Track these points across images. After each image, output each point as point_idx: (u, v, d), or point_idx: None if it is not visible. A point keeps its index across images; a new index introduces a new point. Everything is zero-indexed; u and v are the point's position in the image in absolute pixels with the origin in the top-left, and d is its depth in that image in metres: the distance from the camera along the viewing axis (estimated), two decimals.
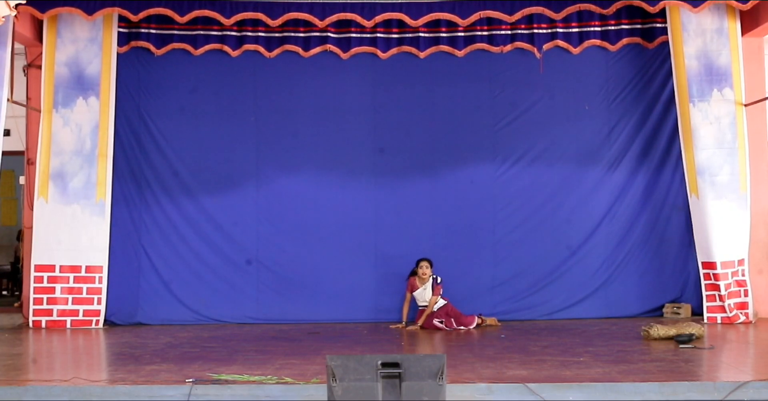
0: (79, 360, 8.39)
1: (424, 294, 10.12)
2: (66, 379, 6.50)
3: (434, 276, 10.15)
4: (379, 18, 10.07)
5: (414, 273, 10.23)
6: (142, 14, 9.99)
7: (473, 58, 10.82)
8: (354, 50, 10.70)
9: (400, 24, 10.51)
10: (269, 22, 10.10)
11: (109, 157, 10.43)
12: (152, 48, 10.67)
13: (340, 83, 10.94)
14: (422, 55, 10.73)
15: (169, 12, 10.00)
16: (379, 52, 10.69)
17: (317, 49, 10.67)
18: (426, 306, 10.07)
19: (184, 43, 10.65)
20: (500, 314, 10.59)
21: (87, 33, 10.36)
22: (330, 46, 10.63)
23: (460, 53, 10.72)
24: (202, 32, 10.65)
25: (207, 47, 10.67)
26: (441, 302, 10.12)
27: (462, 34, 10.68)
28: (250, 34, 10.64)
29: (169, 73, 10.90)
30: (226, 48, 10.67)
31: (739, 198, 10.01)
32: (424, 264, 10.15)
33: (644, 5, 9.85)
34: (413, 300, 10.20)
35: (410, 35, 10.72)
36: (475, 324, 10.02)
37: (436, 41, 10.74)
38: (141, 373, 6.85)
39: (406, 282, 10.25)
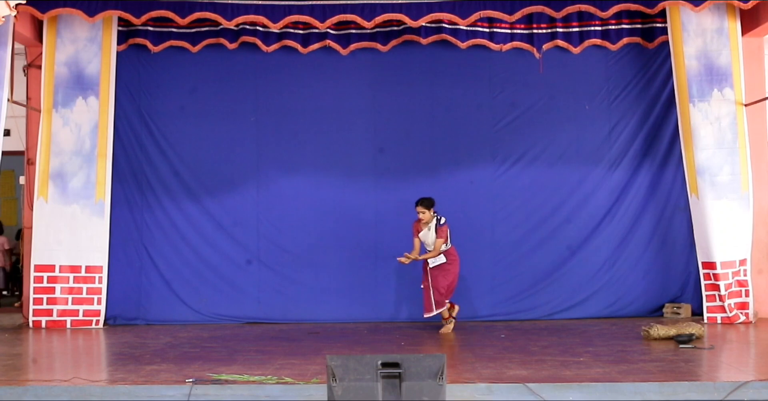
0: (79, 360, 8.39)
1: (428, 235, 9.55)
2: (66, 379, 6.51)
3: (438, 217, 9.49)
4: (379, 19, 10.04)
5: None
6: (144, 17, 9.96)
7: (474, 58, 10.80)
8: (354, 46, 10.66)
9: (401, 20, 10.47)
10: (270, 25, 10.08)
11: (108, 156, 10.44)
12: (149, 45, 10.64)
13: (340, 83, 10.94)
14: (424, 41, 10.62)
15: (170, 14, 9.98)
16: (379, 46, 10.65)
17: (316, 45, 10.64)
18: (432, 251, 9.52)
19: (182, 41, 10.62)
20: (500, 314, 10.60)
21: (87, 33, 10.36)
22: (329, 42, 10.61)
23: (462, 45, 10.61)
24: (201, 29, 10.62)
25: (205, 42, 10.64)
26: (441, 258, 9.51)
27: (464, 27, 10.57)
28: (248, 27, 10.58)
29: (169, 72, 10.91)
30: (223, 41, 10.62)
31: (740, 198, 10.01)
32: (418, 208, 9.50)
33: (642, 8, 9.84)
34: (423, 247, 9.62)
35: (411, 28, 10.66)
36: (433, 313, 9.45)
37: (439, 30, 10.64)
38: (141, 373, 6.86)
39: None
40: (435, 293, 9.45)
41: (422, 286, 9.59)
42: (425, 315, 9.56)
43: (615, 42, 10.68)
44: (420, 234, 9.58)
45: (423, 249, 9.62)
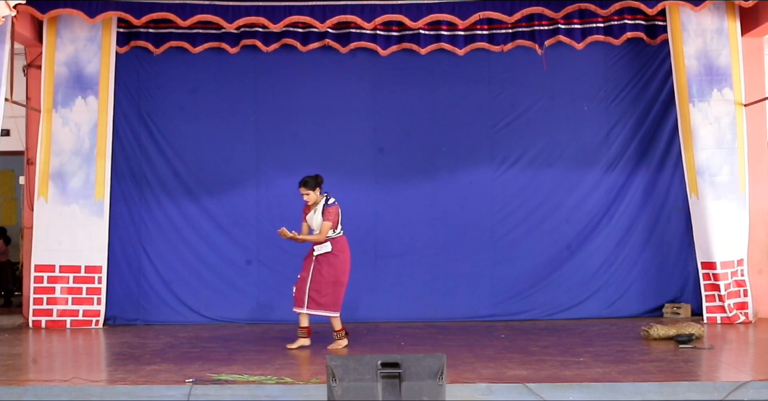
0: (79, 360, 8.39)
1: (313, 218, 8.40)
2: (66, 379, 6.51)
3: (327, 196, 8.44)
4: (379, 20, 10.06)
5: None
6: (145, 19, 9.97)
7: (473, 58, 10.80)
8: (353, 45, 10.65)
9: (400, 22, 10.49)
10: (271, 25, 10.08)
11: (107, 156, 10.43)
12: (151, 47, 10.65)
13: (340, 83, 10.94)
14: (423, 51, 10.67)
15: (171, 16, 9.98)
16: (379, 49, 10.66)
17: (316, 44, 10.64)
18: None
19: (182, 41, 10.61)
20: (500, 314, 10.60)
21: (86, 32, 10.37)
22: (329, 41, 10.60)
23: (460, 52, 10.67)
24: (201, 30, 10.62)
25: (206, 45, 10.64)
26: (327, 246, 8.34)
27: (462, 33, 10.61)
28: (247, 29, 10.58)
29: (169, 73, 10.91)
30: (225, 45, 10.64)
31: (739, 198, 10.01)
32: (301, 189, 8.41)
33: (642, 7, 9.84)
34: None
35: (410, 32, 10.66)
36: (303, 310, 8.35)
37: (437, 39, 10.68)
38: (141, 373, 6.86)
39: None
40: (312, 288, 8.35)
41: (299, 276, 8.47)
42: (294, 310, 8.50)
43: (618, 37, 10.58)
44: (306, 217, 8.49)
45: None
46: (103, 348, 9.11)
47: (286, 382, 6.34)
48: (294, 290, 8.52)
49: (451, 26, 10.53)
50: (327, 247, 8.31)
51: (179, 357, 7.84)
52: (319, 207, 8.36)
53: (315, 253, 8.36)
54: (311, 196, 8.37)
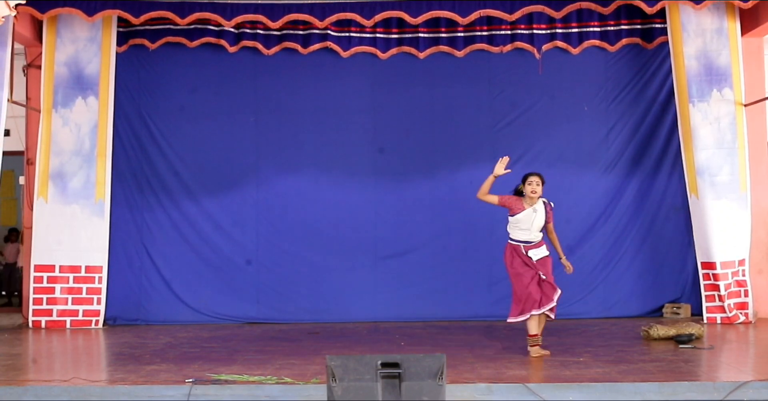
0: (79, 360, 8.39)
1: (533, 218, 7.88)
2: (66, 379, 6.51)
3: (544, 200, 8.03)
4: (378, 17, 10.06)
5: (518, 192, 8.12)
6: (144, 17, 9.97)
7: (473, 59, 10.81)
8: (354, 49, 10.68)
9: (400, 24, 10.51)
10: (270, 24, 10.09)
11: (108, 156, 10.44)
12: (147, 43, 10.64)
13: (340, 83, 10.95)
14: (422, 55, 10.72)
15: (170, 14, 9.98)
16: (378, 52, 10.69)
17: (317, 46, 10.66)
18: (533, 241, 7.90)
19: (180, 37, 10.62)
20: (500, 314, 10.52)
21: (86, 33, 10.38)
22: (330, 44, 10.62)
23: (459, 53, 10.72)
24: (200, 26, 10.60)
25: (203, 40, 10.62)
26: (544, 250, 7.99)
27: (461, 34, 10.68)
28: (248, 31, 10.60)
29: (169, 72, 10.91)
30: (223, 42, 10.62)
31: (739, 198, 10.01)
32: (535, 179, 7.87)
33: (642, 5, 9.83)
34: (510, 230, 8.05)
35: (410, 35, 10.71)
36: (550, 305, 7.94)
37: (436, 41, 10.74)
38: (141, 373, 6.86)
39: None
40: (544, 290, 8.00)
41: (530, 289, 7.96)
42: (533, 313, 7.94)
43: (614, 43, 10.71)
44: (520, 216, 7.97)
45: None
46: (103, 348, 9.12)
47: (286, 382, 6.34)
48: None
49: (450, 27, 10.55)
50: (545, 251, 8.04)
51: (179, 357, 7.84)
52: (539, 206, 7.97)
53: (535, 258, 7.94)
54: (538, 192, 7.93)
